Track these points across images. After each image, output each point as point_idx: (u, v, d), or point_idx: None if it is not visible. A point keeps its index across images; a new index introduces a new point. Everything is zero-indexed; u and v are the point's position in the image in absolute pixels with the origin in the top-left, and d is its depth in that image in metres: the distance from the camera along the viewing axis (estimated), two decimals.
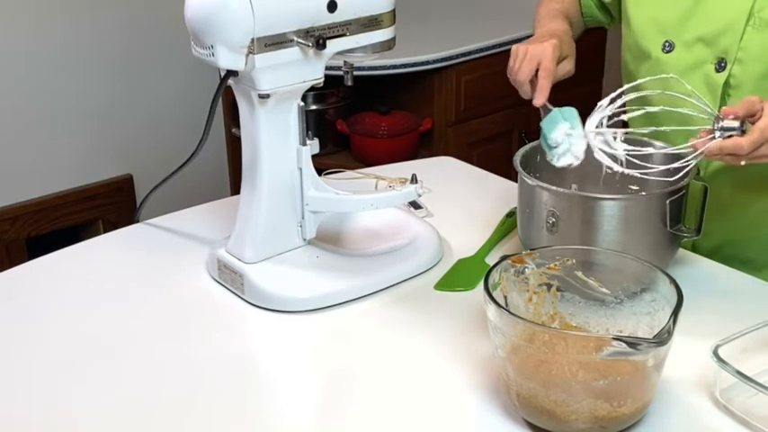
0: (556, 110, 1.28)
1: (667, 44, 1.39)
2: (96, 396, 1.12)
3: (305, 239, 1.34)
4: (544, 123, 1.28)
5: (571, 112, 1.28)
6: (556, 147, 1.26)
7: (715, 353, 1.03)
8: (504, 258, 1.10)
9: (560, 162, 1.26)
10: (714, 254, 1.41)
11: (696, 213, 1.25)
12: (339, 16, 1.24)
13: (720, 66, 1.34)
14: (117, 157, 2.84)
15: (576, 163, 1.26)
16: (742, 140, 1.14)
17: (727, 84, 1.35)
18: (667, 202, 1.19)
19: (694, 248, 1.42)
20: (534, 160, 1.32)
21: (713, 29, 1.34)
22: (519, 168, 1.26)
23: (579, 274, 1.11)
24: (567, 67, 1.38)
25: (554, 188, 1.23)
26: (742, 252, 1.43)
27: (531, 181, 1.24)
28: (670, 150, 1.23)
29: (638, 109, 1.24)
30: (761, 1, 1.30)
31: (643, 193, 1.31)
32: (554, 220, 1.21)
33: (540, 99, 1.31)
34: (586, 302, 1.12)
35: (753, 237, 1.43)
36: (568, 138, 1.25)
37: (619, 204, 1.20)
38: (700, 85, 1.36)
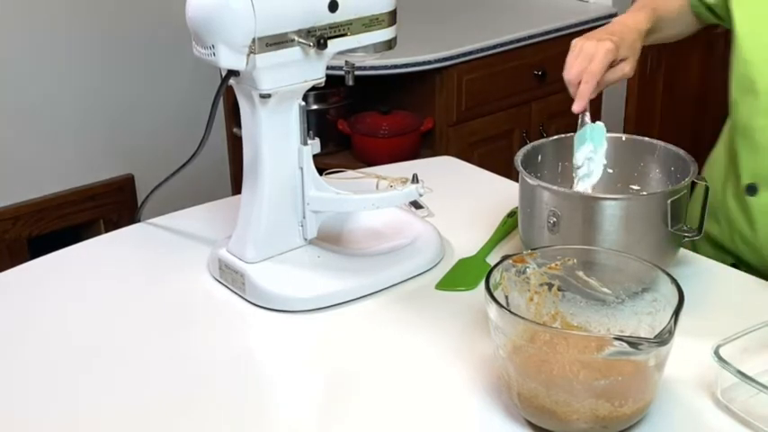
0: (587, 126, 1.27)
1: None
2: (97, 395, 1.12)
3: (306, 239, 1.34)
4: (576, 138, 1.28)
5: (600, 131, 1.27)
6: (578, 168, 1.27)
7: (716, 352, 1.03)
8: (505, 258, 1.10)
9: (578, 186, 1.26)
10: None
11: (697, 213, 1.25)
12: (340, 16, 1.24)
13: None
14: (118, 156, 2.84)
15: (589, 191, 1.25)
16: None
17: None
18: (668, 201, 1.19)
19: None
20: (535, 160, 1.32)
21: None
22: (520, 168, 1.26)
23: (580, 273, 1.11)
24: (625, 69, 1.30)
25: (555, 188, 1.23)
26: None
27: (531, 181, 1.24)
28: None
29: None
30: None
31: (644, 193, 1.31)
32: (555, 219, 1.21)
33: (578, 105, 1.26)
34: (587, 302, 1.12)
35: None
36: (588, 162, 1.26)
37: (620, 204, 1.20)
38: None
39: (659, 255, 1.21)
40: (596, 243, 1.19)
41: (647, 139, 1.35)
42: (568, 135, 1.32)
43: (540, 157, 1.33)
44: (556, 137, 1.33)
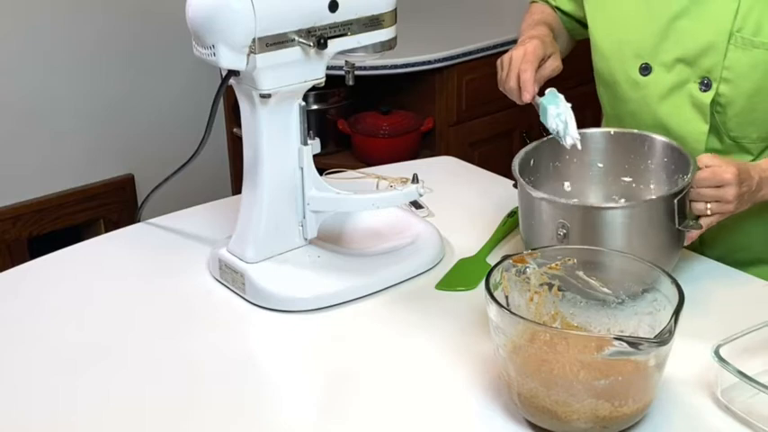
0: (541, 101, 1.30)
1: (644, 67, 1.37)
2: (97, 395, 1.12)
3: (306, 239, 1.34)
4: (542, 119, 1.29)
5: (552, 95, 1.30)
6: (556, 130, 1.29)
7: (716, 352, 1.03)
8: (505, 258, 1.10)
9: (568, 142, 1.29)
10: (723, 259, 1.39)
11: None
12: (340, 16, 1.24)
13: (704, 85, 1.33)
14: (118, 156, 2.84)
15: (577, 136, 1.28)
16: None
17: (715, 102, 1.33)
18: (675, 201, 1.19)
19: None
20: (528, 165, 1.31)
21: (692, 49, 1.33)
22: (520, 179, 1.25)
23: (580, 273, 1.11)
24: (554, 63, 1.37)
25: (563, 201, 1.22)
26: (751, 254, 1.42)
27: (535, 193, 1.22)
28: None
29: None
30: (740, 20, 1.28)
31: (653, 197, 1.30)
32: (565, 231, 1.20)
33: (526, 95, 1.31)
34: (588, 302, 1.12)
35: (757, 237, 1.42)
36: (558, 118, 1.28)
37: (627, 212, 1.19)
38: (685, 104, 1.35)
39: (668, 252, 1.21)
40: (606, 248, 1.18)
41: (635, 131, 1.35)
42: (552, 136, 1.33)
43: (532, 162, 1.32)
44: (545, 138, 1.33)
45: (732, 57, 1.30)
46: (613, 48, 1.42)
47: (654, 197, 1.30)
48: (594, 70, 1.49)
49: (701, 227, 1.22)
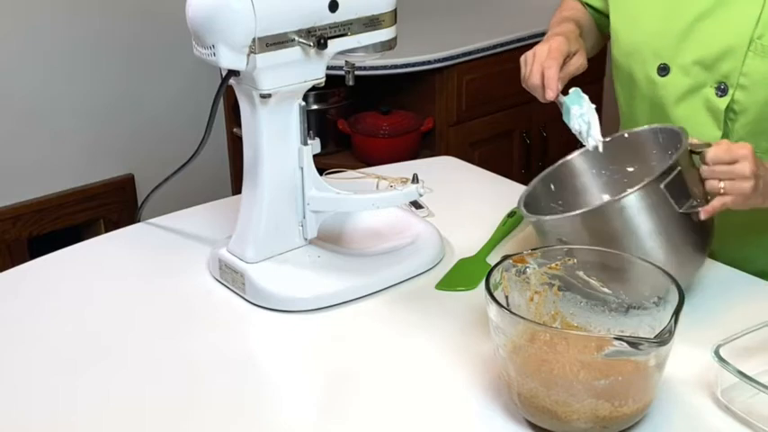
0: (565, 100, 1.29)
1: (662, 67, 1.36)
2: (97, 395, 1.12)
3: (306, 239, 1.34)
4: (565, 118, 1.29)
5: (576, 94, 1.30)
6: (579, 132, 1.29)
7: (716, 352, 1.03)
8: (505, 258, 1.10)
9: (590, 144, 1.29)
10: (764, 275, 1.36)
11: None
12: (340, 16, 1.24)
13: (721, 90, 1.32)
14: (118, 156, 2.84)
15: (600, 138, 1.28)
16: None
17: (730, 109, 1.32)
18: (662, 186, 1.13)
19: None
20: (549, 190, 1.30)
21: (711, 53, 1.32)
22: (522, 208, 1.24)
23: (581, 273, 1.11)
24: (579, 60, 1.37)
25: (548, 218, 1.20)
26: (756, 267, 1.38)
27: (532, 218, 1.21)
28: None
29: None
30: (761, 27, 1.28)
31: (630, 190, 1.20)
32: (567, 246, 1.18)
33: (550, 92, 1.30)
34: (588, 302, 1.12)
35: (763, 250, 1.40)
36: (581, 118, 1.28)
37: (615, 208, 1.15)
38: (700, 108, 1.35)
39: (685, 240, 1.18)
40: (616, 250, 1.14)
41: (646, 127, 1.32)
42: (573, 156, 1.33)
43: (552, 186, 1.31)
44: (556, 164, 1.32)
45: (750, 63, 1.29)
46: (633, 45, 1.41)
47: (630, 190, 1.18)
48: (613, 66, 1.48)
49: (703, 203, 1.16)
